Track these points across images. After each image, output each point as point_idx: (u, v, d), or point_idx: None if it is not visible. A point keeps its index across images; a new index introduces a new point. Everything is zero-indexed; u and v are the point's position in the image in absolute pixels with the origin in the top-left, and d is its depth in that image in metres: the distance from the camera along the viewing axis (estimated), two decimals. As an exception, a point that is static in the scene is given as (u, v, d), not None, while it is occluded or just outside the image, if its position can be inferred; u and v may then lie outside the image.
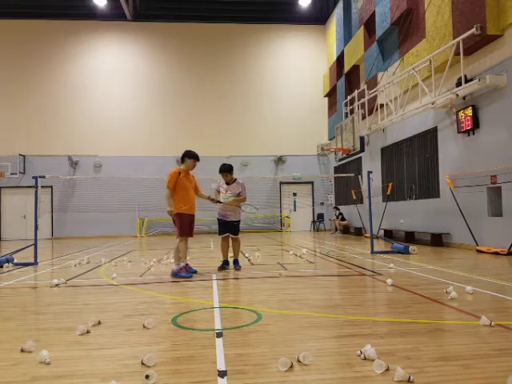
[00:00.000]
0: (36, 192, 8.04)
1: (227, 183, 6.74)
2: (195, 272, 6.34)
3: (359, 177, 10.06)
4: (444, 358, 2.55)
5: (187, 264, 6.35)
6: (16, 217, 18.26)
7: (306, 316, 3.63)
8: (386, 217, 13.03)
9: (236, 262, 6.77)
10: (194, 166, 6.35)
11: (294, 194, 20.11)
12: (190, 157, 6.27)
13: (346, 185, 17.42)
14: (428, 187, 11.26)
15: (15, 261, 7.92)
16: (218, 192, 6.76)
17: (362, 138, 11.83)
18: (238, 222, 6.75)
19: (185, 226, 6.11)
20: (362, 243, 11.80)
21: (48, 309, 4.15)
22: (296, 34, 20.51)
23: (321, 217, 19.81)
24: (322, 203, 20.10)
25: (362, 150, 11.81)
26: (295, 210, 20.02)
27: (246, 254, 8.79)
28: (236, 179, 6.81)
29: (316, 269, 6.82)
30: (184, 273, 6.02)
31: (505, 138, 8.27)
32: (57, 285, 5.42)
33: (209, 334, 3.14)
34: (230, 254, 6.91)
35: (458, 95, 8.97)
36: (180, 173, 6.16)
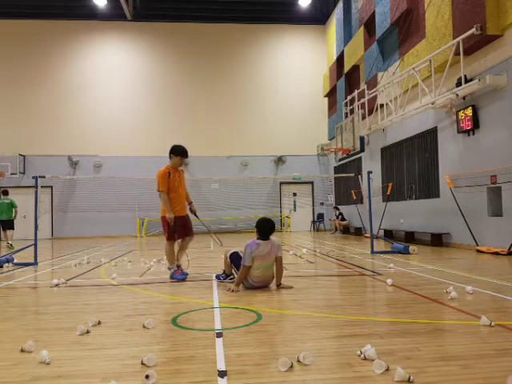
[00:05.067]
0: (36, 192, 8.03)
1: None
2: (187, 275, 5.91)
3: (359, 177, 10.05)
4: (444, 357, 2.55)
5: (178, 266, 5.89)
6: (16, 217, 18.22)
7: (305, 316, 3.63)
8: (386, 217, 13.02)
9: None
10: (182, 163, 5.89)
11: (294, 194, 20.11)
12: (176, 154, 5.80)
13: (346, 185, 17.42)
14: (428, 187, 11.26)
15: (15, 261, 7.92)
16: None
17: (362, 138, 11.82)
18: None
19: (172, 228, 5.70)
20: (361, 243, 11.80)
21: (48, 309, 4.15)
22: (296, 34, 20.51)
23: (321, 217, 19.81)
24: (322, 203, 20.09)
25: (362, 149, 11.79)
26: (295, 210, 20.02)
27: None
28: None
29: (316, 269, 6.82)
30: (179, 274, 5.78)
31: (505, 138, 8.27)
32: (57, 285, 5.42)
33: (209, 334, 3.14)
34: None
35: (457, 95, 8.97)
36: (169, 173, 5.73)
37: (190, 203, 6.05)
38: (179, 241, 5.99)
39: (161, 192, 5.66)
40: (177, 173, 5.85)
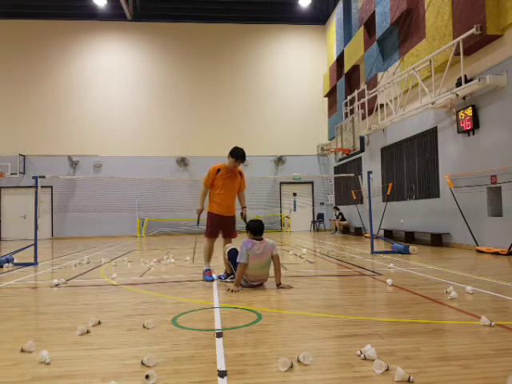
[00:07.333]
0: (36, 192, 8.03)
1: None
2: (211, 280, 5.64)
3: (359, 177, 10.05)
4: (444, 357, 2.55)
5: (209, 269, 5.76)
6: (16, 217, 18.25)
7: (306, 316, 3.63)
8: (385, 217, 13.02)
9: None
10: (236, 166, 5.72)
11: (294, 194, 20.11)
12: (232, 155, 5.65)
13: (346, 185, 17.42)
14: (428, 187, 11.26)
15: (15, 261, 7.92)
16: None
17: (362, 138, 11.82)
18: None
19: (211, 226, 5.66)
20: (361, 243, 11.80)
21: (48, 309, 4.15)
22: (296, 34, 20.51)
23: (321, 217, 19.81)
24: (322, 203, 20.09)
25: (362, 149, 11.80)
26: (295, 210, 20.02)
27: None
28: None
29: (316, 269, 6.82)
30: (207, 275, 5.66)
31: (505, 138, 8.27)
32: (57, 285, 5.42)
33: (209, 334, 3.14)
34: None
35: (458, 95, 8.97)
36: (219, 169, 5.68)
37: (243, 207, 5.89)
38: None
39: (203, 185, 5.78)
40: (230, 173, 5.73)
